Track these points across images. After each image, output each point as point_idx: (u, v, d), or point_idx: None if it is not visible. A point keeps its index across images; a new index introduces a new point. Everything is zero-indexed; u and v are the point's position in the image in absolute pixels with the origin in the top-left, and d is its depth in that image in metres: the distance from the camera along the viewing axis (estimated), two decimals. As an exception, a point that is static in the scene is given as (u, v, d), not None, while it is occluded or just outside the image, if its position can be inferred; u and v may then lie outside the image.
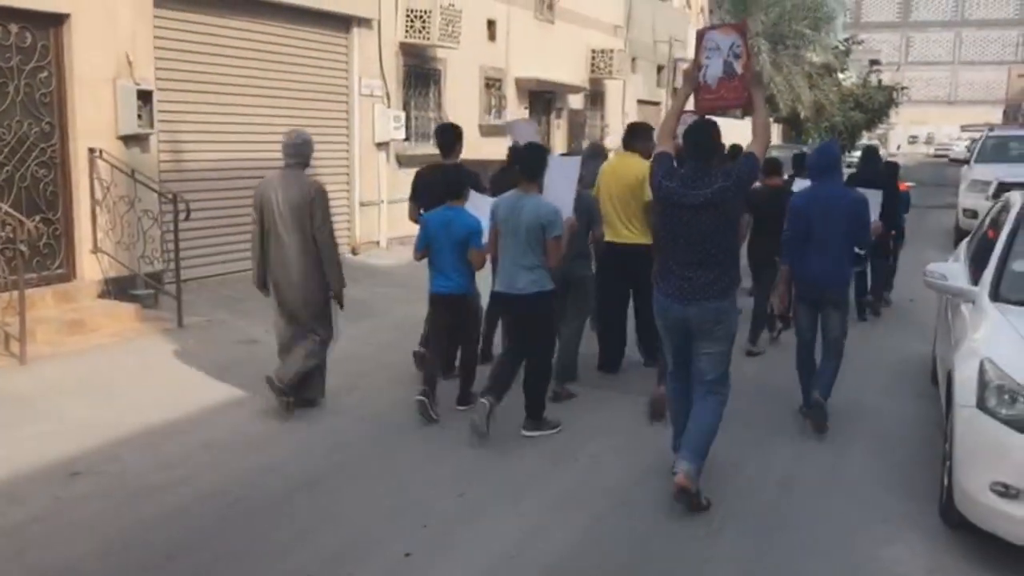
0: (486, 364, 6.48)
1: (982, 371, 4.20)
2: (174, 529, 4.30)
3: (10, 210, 7.11)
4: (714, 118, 4.95)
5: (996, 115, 66.89)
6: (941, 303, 6.58)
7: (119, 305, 8.06)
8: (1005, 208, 5.91)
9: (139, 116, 8.40)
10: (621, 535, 4.38)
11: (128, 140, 8.44)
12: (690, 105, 5.22)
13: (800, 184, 7.76)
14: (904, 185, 11.14)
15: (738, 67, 5.01)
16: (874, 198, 7.46)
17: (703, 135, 4.76)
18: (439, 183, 6.32)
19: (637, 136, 6.93)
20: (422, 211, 6.59)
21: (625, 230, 6.72)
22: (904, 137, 68.45)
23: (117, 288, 8.33)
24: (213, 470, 5.05)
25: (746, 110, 5.37)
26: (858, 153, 19.73)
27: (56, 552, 4.07)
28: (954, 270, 5.45)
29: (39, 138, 7.87)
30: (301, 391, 6.01)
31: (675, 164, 4.90)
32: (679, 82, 24.33)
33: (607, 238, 6.64)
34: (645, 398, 6.26)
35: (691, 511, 4.59)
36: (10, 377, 6.42)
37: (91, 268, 8.26)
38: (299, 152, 5.90)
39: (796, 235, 5.96)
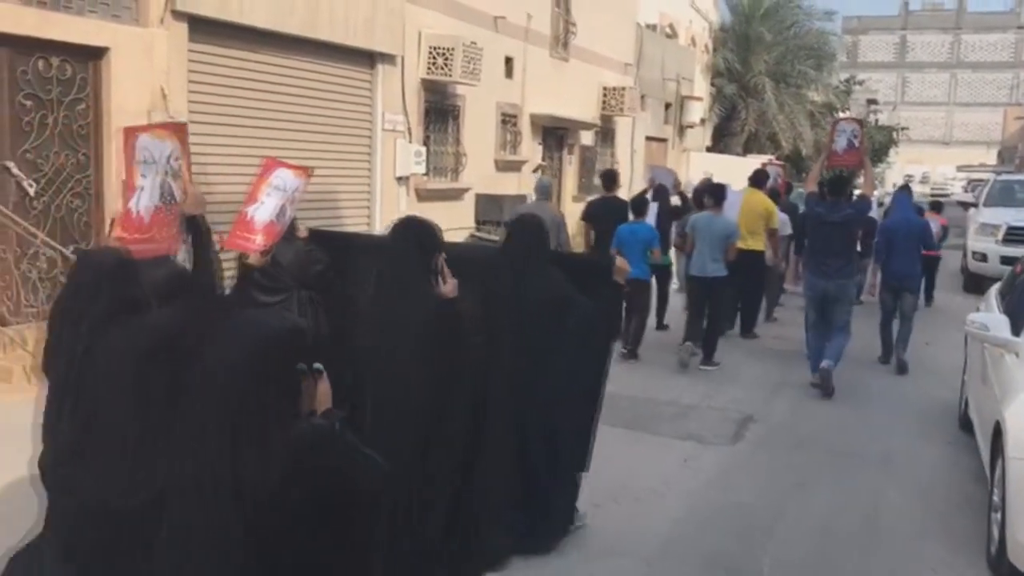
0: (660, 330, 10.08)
1: (1035, 424, 4.26)
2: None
3: (48, 240, 7.16)
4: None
5: (991, 156, 67.50)
6: (971, 349, 6.65)
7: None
8: (1040, 259, 6.00)
9: (172, 149, 8.46)
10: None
11: (161, 172, 8.49)
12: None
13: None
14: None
15: (856, 143, 8.46)
16: (934, 222, 11.77)
17: (840, 182, 8.44)
18: (608, 208, 9.54)
19: (759, 180, 10.55)
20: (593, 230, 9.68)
21: (750, 240, 9.72)
22: (900, 176, 68.89)
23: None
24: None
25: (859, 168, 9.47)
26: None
27: None
28: (996, 320, 5.50)
29: (75, 169, 7.94)
30: None
31: (819, 198, 8.26)
32: (687, 119, 24.81)
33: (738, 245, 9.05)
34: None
35: (826, 396, 7.71)
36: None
37: (124, 298, 8.27)
38: (545, 191, 9.42)
39: (885, 245, 8.99)
